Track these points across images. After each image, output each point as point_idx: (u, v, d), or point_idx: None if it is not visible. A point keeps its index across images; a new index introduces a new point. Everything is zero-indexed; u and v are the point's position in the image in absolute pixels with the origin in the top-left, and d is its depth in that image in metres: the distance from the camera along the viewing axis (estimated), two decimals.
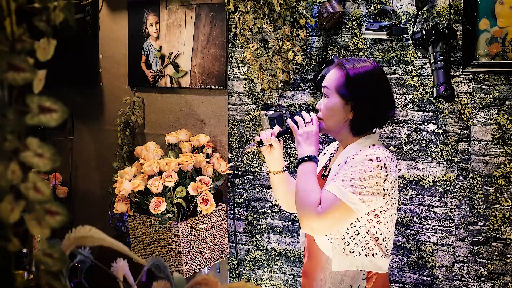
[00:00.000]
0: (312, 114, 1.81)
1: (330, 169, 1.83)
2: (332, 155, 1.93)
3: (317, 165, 1.76)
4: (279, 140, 1.87)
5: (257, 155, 2.98)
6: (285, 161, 2.80)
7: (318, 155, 1.81)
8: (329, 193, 1.66)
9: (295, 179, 2.01)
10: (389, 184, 1.67)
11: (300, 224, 1.74)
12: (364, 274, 1.74)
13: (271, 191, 2.86)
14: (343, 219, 1.67)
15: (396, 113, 2.60)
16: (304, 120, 1.80)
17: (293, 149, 2.87)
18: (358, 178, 1.64)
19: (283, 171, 1.91)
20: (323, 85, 1.82)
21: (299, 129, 1.79)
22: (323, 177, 1.85)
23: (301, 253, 2.88)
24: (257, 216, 3.00)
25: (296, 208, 1.73)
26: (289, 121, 1.83)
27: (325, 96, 1.80)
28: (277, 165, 1.90)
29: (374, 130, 1.85)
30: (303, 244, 1.95)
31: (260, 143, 1.87)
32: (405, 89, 2.58)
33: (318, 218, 1.64)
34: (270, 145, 1.87)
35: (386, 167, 1.66)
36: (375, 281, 1.76)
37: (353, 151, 1.74)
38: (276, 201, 2.04)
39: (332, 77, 1.79)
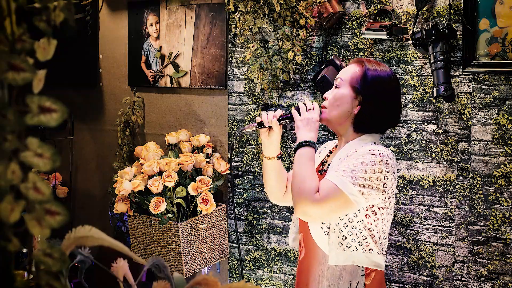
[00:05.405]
0: (315, 103, 1.83)
1: (328, 164, 1.84)
2: (330, 152, 1.94)
3: (315, 151, 1.77)
4: (280, 124, 1.86)
5: (257, 155, 2.98)
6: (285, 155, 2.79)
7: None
8: (329, 181, 1.66)
9: (287, 172, 2.01)
10: (389, 181, 1.68)
11: (294, 209, 1.72)
12: (362, 270, 1.74)
13: None
14: (340, 209, 1.67)
15: None
16: (306, 107, 1.81)
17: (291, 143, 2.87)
18: (359, 170, 1.65)
19: (278, 158, 1.90)
20: (337, 76, 1.83)
21: (300, 115, 1.80)
22: (321, 172, 1.85)
23: None
24: (257, 216, 3.00)
25: (291, 193, 1.72)
26: (292, 109, 1.84)
27: (335, 87, 1.81)
28: (273, 151, 1.89)
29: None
30: (294, 240, 1.95)
31: (261, 124, 1.86)
32: (405, 89, 2.58)
33: (315, 205, 1.64)
34: (270, 128, 1.85)
35: (388, 164, 1.67)
36: (373, 278, 1.76)
37: (355, 147, 1.75)
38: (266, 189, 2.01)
39: (349, 70, 1.82)
